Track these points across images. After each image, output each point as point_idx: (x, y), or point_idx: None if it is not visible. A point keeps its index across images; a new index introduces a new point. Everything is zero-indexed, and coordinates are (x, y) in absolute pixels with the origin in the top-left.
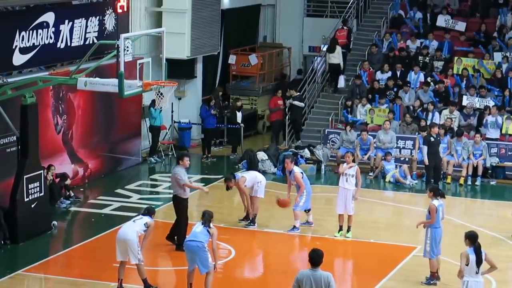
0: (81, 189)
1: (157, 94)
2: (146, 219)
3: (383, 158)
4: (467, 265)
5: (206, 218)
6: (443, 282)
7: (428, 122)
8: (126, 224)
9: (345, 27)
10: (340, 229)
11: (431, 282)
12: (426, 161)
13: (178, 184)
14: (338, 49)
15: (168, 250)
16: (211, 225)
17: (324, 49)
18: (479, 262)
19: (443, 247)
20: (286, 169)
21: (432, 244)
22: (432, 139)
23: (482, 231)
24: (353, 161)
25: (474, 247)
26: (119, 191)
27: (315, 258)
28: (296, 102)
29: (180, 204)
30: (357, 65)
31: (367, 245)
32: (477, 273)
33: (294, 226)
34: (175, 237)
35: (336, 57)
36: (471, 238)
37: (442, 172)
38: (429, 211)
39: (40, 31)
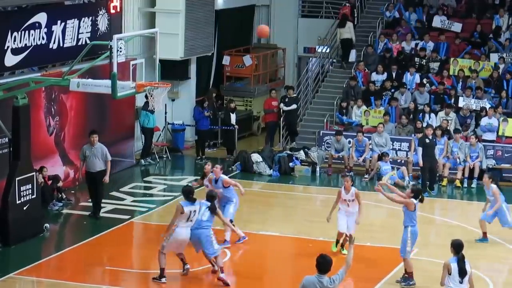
0: (73, 191)
1: (150, 95)
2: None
3: (379, 158)
4: (450, 274)
5: (213, 208)
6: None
7: (425, 124)
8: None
9: (347, 4)
10: (337, 242)
11: (411, 283)
12: (421, 163)
13: None
14: (349, 24)
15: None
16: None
17: (319, 49)
18: (462, 272)
19: (438, 248)
20: (212, 176)
21: (412, 243)
22: (427, 140)
23: (479, 233)
24: (353, 184)
25: (458, 257)
26: (112, 193)
27: (324, 265)
28: (284, 107)
29: (86, 178)
30: (370, 32)
31: (362, 248)
32: (461, 283)
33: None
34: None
35: (348, 32)
36: (456, 247)
37: (438, 174)
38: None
39: (32, 31)
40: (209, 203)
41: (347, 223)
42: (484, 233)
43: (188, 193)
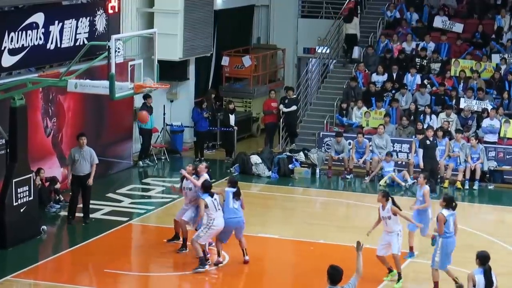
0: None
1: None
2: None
3: (382, 158)
4: (474, 286)
5: (238, 192)
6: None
7: (425, 125)
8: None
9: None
10: (389, 271)
11: None
12: (422, 165)
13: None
14: (355, 20)
15: (161, 256)
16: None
17: (319, 50)
18: (489, 285)
19: None
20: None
21: (442, 254)
22: (428, 142)
23: (480, 235)
24: (387, 199)
25: (484, 268)
26: (110, 195)
27: (335, 276)
28: (284, 109)
29: (71, 181)
30: (370, 33)
31: (362, 251)
32: None
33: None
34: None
35: (353, 28)
36: (481, 259)
37: (439, 176)
38: (437, 220)
39: (29, 32)
40: (234, 189)
41: (386, 247)
42: (411, 248)
43: (208, 188)
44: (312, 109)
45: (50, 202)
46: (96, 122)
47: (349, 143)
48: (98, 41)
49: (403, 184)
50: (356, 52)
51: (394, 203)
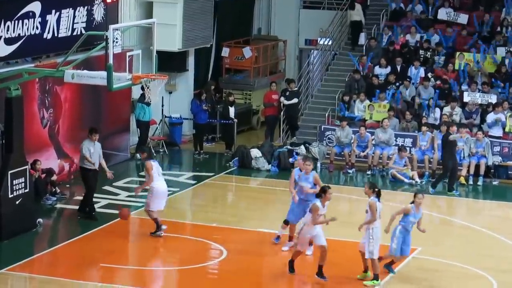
0: (67, 185)
1: (146, 87)
2: None
3: (393, 153)
4: None
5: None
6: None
7: (429, 119)
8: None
9: None
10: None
11: None
12: (435, 161)
13: (81, 156)
14: (358, 6)
15: (158, 250)
16: None
17: (321, 42)
18: None
19: (447, 249)
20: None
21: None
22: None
23: (484, 232)
24: (373, 191)
25: None
26: (106, 188)
27: None
28: (285, 101)
29: (85, 175)
30: (373, 25)
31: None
32: None
33: None
34: (86, 208)
35: (357, 14)
36: None
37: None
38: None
39: (26, 21)
40: None
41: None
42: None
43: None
44: (313, 101)
45: (46, 194)
46: (93, 114)
47: (351, 138)
48: (96, 30)
49: (406, 180)
50: (363, 38)
51: (378, 197)
